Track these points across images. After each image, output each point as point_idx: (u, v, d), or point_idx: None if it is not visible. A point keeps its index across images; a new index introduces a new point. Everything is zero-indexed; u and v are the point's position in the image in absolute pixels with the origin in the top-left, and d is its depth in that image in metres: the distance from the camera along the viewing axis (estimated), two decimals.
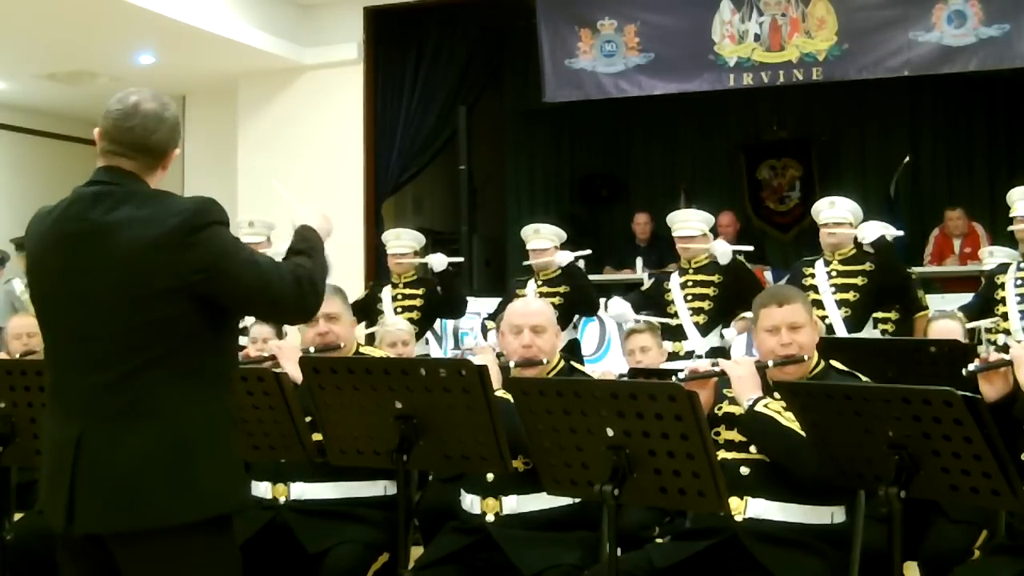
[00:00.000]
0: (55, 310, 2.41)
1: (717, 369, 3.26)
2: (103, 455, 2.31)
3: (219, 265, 2.35)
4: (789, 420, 3.02)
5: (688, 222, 6.25)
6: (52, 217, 2.43)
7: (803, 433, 2.95)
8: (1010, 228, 5.75)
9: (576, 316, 6.76)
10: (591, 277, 8.06)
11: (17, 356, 5.00)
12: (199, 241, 2.33)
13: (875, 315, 5.97)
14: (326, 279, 2.63)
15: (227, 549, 2.45)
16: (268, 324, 5.02)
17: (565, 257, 6.47)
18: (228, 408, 2.47)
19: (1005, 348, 3.23)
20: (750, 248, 6.61)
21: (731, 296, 6.04)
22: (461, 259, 7.88)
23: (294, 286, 2.46)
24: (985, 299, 5.86)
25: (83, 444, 2.31)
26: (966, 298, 6.34)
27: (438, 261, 6.72)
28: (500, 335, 3.74)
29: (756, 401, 3.12)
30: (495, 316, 6.20)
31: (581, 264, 6.57)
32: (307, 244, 2.63)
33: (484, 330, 6.74)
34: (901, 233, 6.27)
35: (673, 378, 3.23)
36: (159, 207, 2.36)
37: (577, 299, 6.53)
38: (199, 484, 2.35)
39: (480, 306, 8.12)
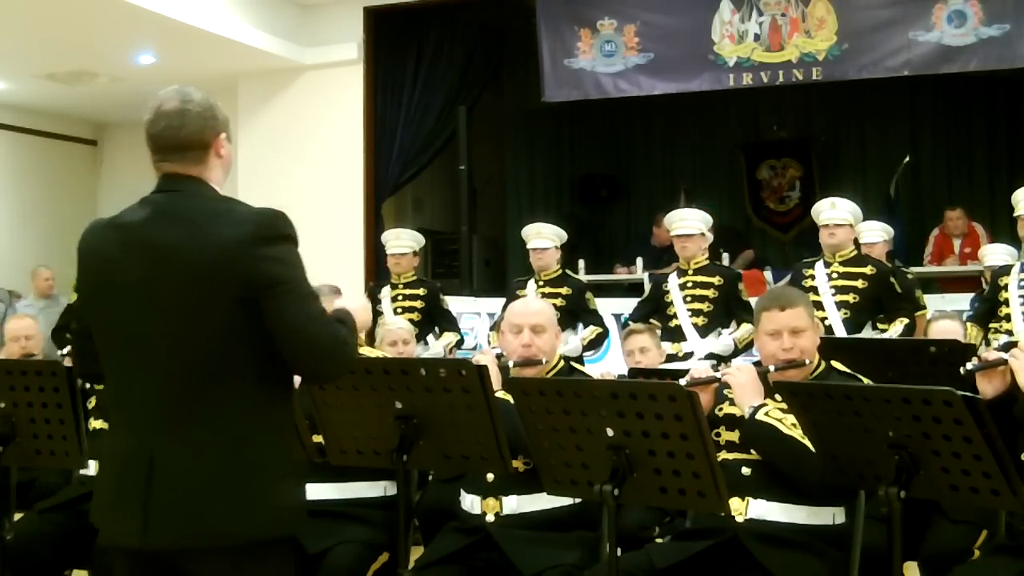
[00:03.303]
0: (125, 320, 2.32)
1: (718, 375, 3.26)
2: (178, 469, 2.25)
3: (279, 288, 2.27)
4: (790, 427, 3.02)
5: (686, 221, 6.25)
6: (117, 227, 2.37)
7: (805, 440, 2.95)
8: (1016, 213, 5.74)
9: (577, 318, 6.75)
10: (591, 277, 8.09)
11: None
12: (266, 256, 2.26)
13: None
14: (351, 365, 2.52)
15: (287, 566, 2.39)
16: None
17: (576, 348, 6.40)
18: (291, 419, 2.41)
19: (1006, 346, 3.22)
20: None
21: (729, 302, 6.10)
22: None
23: (331, 343, 2.34)
24: (990, 302, 5.86)
25: (156, 457, 2.25)
26: (966, 298, 6.35)
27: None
28: (500, 335, 3.74)
29: (757, 409, 3.12)
30: (497, 326, 6.21)
31: (590, 336, 6.54)
32: (346, 319, 2.45)
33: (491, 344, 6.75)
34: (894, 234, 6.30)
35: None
36: (229, 216, 2.30)
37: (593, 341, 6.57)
38: (274, 500, 2.30)
39: (480, 306, 8.13)
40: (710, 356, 5.94)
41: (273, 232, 2.30)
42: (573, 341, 6.32)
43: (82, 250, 2.42)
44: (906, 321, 5.78)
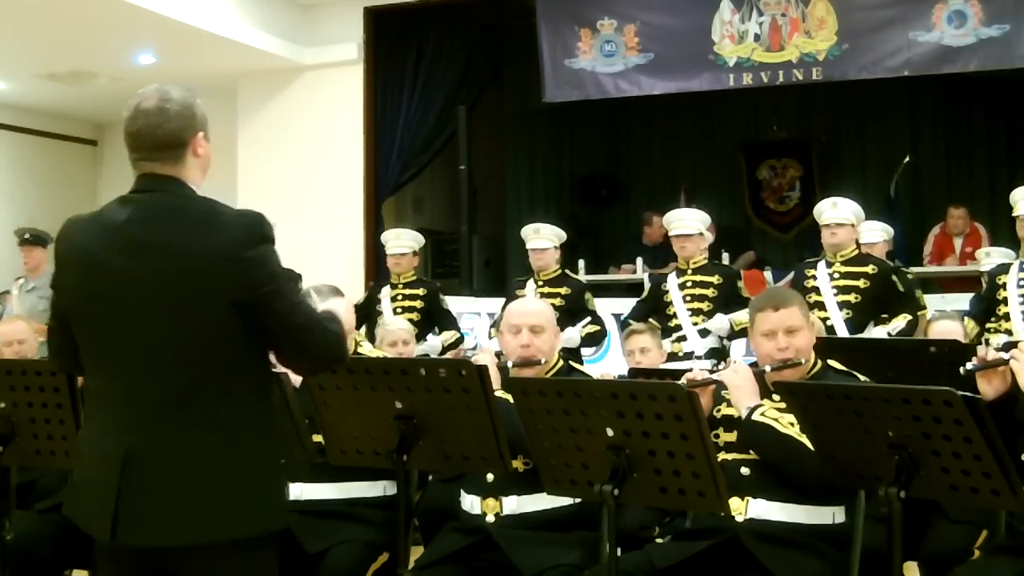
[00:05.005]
0: (111, 319, 2.33)
1: (715, 377, 3.26)
2: (155, 468, 2.27)
3: (267, 288, 2.31)
4: (787, 425, 3.03)
5: (684, 221, 6.27)
6: (100, 225, 2.37)
7: (802, 438, 2.96)
8: (1015, 213, 5.74)
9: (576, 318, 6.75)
10: (591, 277, 8.09)
11: None
12: (255, 258, 2.30)
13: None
14: (346, 361, 2.59)
15: (272, 565, 2.42)
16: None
17: (573, 339, 6.38)
18: (276, 420, 2.45)
19: (1006, 347, 3.22)
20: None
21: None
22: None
23: (328, 340, 2.41)
24: (988, 301, 5.86)
25: (133, 455, 2.26)
26: (966, 298, 6.34)
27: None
28: (499, 335, 3.74)
29: (754, 409, 3.12)
30: (497, 324, 6.20)
31: (589, 329, 6.53)
32: (334, 317, 2.51)
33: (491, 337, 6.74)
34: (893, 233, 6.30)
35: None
36: (216, 219, 2.32)
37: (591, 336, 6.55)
38: (255, 499, 2.33)
39: (480, 306, 8.13)
40: (712, 353, 5.94)
41: (260, 235, 2.34)
42: (570, 332, 6.31)
43: (63, 246, 2.43)
44: (909, 318, 5.77)
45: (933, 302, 6.72)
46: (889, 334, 5.68)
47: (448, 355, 6.56)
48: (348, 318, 2.60)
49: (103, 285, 2.33)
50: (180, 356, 2.29)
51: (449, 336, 6.77)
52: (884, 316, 5.93)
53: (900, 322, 5.74)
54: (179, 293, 2.28)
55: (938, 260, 9.19)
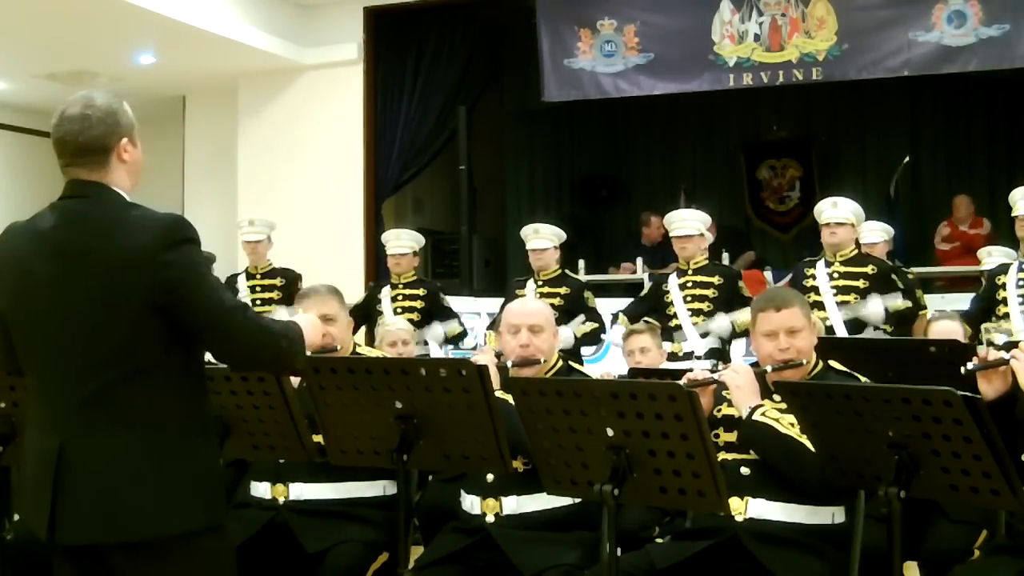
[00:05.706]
0: (38, 322, 2.41)
1: (715, 377, 3.26)
2: (86, 466, 2.32)
3: (183, 289, 2.35)
4: (787, 426, 3.03)
5: (685, 221, 6.27)
6: (30, 231, 2.44)
7: (802, 438, 2.96)
8: (1015, 213, 5.75)
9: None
10: (591, 277, 8.08)
11: None
12: (169, 261, 2.33)
13: None
14: (292, 357, 2.53)
15: (221, 554, 2.46)
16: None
17: (568, 338, 6.36)
18: (208, 417, 2.50)
19: (1006, 347, 3.21)
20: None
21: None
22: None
23: (257, 331, 2.44)
24: (987, 301, 5.86)
25: (65, 455, 2.33)
26: (966, 298, 6.35)
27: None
28: (499, 335, 3.74)
29: (754, 410, 3.12)
30: (495, 324, 6.21)
31: (584, 328, 6.53)
32: (286, 322, 2.56)
33: (486, 342, 6.75)
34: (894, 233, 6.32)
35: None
36: (133, 223, 2.36)
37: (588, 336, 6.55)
38: (184, 495, 2.37)
39: (480, 306, 8.13)
40: (712, 353, 5.94)
41: (174, 237, 2.36)
42: (565, 332, 6.31)
43: (2, 252, 2.49)
44: (908, 300, 5.78)
45: (933, 302, 6.72)
46: (887, 309, 5.69)
47: (451, 347, 6.58)
48: (312, 334, 2.60)
49: (28, 289, 2.40)
50: (98, 357, 2.34)
51: (453, 326, 6.77)
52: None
53: (897, 298, 5.74)
54: (95, 296, 2.33)
55: (949, 242, 9.25)
